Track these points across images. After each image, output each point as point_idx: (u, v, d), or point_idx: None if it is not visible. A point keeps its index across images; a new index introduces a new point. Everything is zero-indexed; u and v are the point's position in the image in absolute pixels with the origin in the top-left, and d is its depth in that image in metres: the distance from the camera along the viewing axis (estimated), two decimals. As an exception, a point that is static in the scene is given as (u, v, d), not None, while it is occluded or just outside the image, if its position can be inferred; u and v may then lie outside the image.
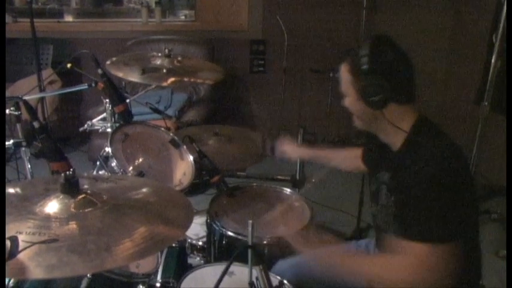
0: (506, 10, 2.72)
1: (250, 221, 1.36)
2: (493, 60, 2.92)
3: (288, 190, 2.35)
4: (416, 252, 1.46)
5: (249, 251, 1.33)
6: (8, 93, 3.86)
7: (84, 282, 1.42)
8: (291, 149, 2.31)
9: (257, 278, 1.29)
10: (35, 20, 3.29)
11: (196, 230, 2.32)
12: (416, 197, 1.49)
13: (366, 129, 1.70)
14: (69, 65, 2.73)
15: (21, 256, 0.94)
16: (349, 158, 2.11)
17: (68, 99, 4.35)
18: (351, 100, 1.62)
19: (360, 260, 1.66)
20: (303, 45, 4.43)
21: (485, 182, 3.81)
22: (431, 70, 4.37)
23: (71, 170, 1.14)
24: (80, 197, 1.13)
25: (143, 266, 1.69)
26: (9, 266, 0.91)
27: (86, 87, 2.02)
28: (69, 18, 4.79)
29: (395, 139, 1.62)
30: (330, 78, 4.08)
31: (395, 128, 1.59)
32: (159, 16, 4.63)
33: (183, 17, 4.79)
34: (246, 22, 4.49)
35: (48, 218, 1.09)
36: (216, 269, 1.77)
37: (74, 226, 1.07)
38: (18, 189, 1.26)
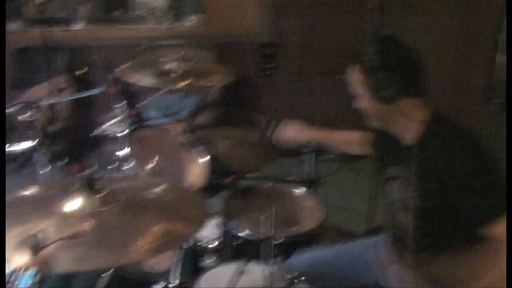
0: (507, 10, 2.73)
1: (262, 216, 1.39)
2: (497, 59, 2.95)
3: (300, 190, 2.37)
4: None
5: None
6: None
7: (102, 282, 1.45)
8: (295, 132, 2.41)
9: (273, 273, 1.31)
10: (44, 28, 3.34)
11: (208, 232, 2.34)
12: (464, 182, 1.51)
13: (380, 127, 1.72)
14: (80, 72, 2.78)
15: (47, 251, 0.98)
16: (353, 143, 2.21)
17: (78, 106, 4.38)
18: (363, 100, 1.65)
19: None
20: (313, 48, 4.44)
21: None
22: (438, 71, 4.36)
23: (91, 169, 1.16)
24: (99, 195, 1.16)
25: (158, 266, 1.71)
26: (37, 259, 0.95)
27: (101, 91, 2.05)
28: (78, 26, 4.83)
29: (409, 133, 1.64)
30: (339, 81, 4.09)
31: (410, 122, 1.61)
32: (168, 21, 4.67)
33: (191, 22, 4.81)
34: (255, 26, 4.52)
35: (69, 215, 1.12)
36: (231, 268, 1.78)
37: (95, 223, 1.10)
38: (37, 190, 1.29)
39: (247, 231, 2.04)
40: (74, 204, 1.14)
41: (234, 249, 2.12)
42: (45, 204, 1.17)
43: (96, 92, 2.08)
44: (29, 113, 2.12)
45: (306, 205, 2.26)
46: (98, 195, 1.14)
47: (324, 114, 4.56)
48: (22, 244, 0.96)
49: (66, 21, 4.77)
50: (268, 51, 4.54)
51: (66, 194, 1.17)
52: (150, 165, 2.13)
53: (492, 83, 2.98)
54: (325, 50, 4.44)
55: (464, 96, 4.34)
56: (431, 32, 4.33)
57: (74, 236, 1.02)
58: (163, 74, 2.27)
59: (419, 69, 1.62)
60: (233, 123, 4.05)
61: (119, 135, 2.37)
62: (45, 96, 4.02)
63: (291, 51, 4.28)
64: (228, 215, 2.14)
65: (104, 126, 2.43)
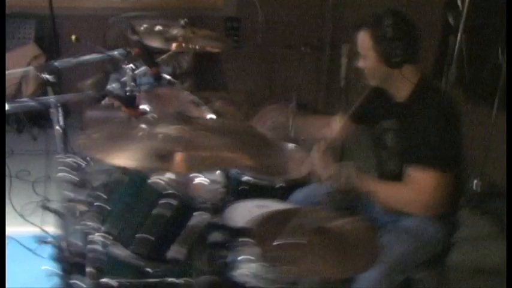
0: (507, 10, 3.09)
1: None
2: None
3: (289, 144, 2.71)
4: (428, 179, 1.88)
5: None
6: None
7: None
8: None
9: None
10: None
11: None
12: (429, 135, 1.91)
13: (377, 85, 2.08)
14: (74, 37, 2.92)
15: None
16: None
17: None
18: (369, 61, 2.00)
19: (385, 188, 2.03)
20: (277, 21, 4.71)
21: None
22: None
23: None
24: (187, 124, 1.48)
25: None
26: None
27: (123, 51, 2.26)
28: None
29: (402, 91, 2.03)
30: (303, 53, 4.41)
31: (404, 83, 1.99)
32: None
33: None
34: (221, 0, 4.76)
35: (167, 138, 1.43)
36: (249, 203, 2.10)
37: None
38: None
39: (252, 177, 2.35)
40: (169, 129, 1.46)
41: (237, 194, 2.42)
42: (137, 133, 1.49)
43: (116, 54, 2.29)
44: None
45: (297, 156, 2.61)
46: (189, 123, 1.45)
47: (286, 85, 4.87)
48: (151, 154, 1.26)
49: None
50: (233, 25, 4.80)
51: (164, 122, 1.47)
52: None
53: (447, 62, 3.36)
54: (288, 24, 4.75)
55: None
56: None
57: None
58: (171, 39, 2.52)
59: (419, 40, 1.99)
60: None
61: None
62: (18, 63, 4.11)
63: (256, 24, 4.54)
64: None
65: (112, 86, 2.63)
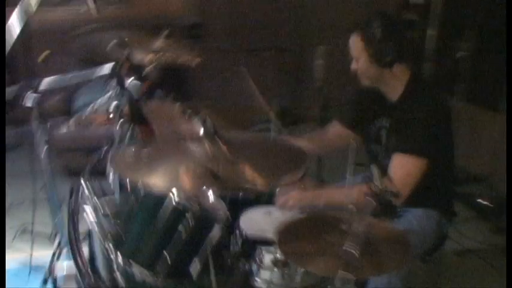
0: (507, 10, 3.21)
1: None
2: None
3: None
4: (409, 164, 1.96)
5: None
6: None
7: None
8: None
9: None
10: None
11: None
12: (417, 127, 1.99)
13: (370, 85, 2.14)
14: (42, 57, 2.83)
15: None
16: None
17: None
18: (362, 62, 2.05)
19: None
20: (240, 26, 4.72)
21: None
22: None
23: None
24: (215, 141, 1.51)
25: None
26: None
27: (113, 65, 2.21)
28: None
29: (395, 90, 2.09)
30: (264, 58, 4.44)
31: (397, 82, 2.07)
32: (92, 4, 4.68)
33: (115, 5, 4.86)
34: (181, 7, 4.72)
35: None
36: (259, 211, 2.10)
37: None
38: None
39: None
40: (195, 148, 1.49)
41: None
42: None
43: (106, 71, 2.24)
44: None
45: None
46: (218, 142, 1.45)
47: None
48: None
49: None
50: (194, 32, 4.76)
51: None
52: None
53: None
54: (249, 28, 4.76)
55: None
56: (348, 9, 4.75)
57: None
58: (155, 51, 2.49)
59: (408, 40, 2.07)
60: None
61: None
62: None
63: (218, 30, 4.53)
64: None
65: (96, 104, 2.57)
